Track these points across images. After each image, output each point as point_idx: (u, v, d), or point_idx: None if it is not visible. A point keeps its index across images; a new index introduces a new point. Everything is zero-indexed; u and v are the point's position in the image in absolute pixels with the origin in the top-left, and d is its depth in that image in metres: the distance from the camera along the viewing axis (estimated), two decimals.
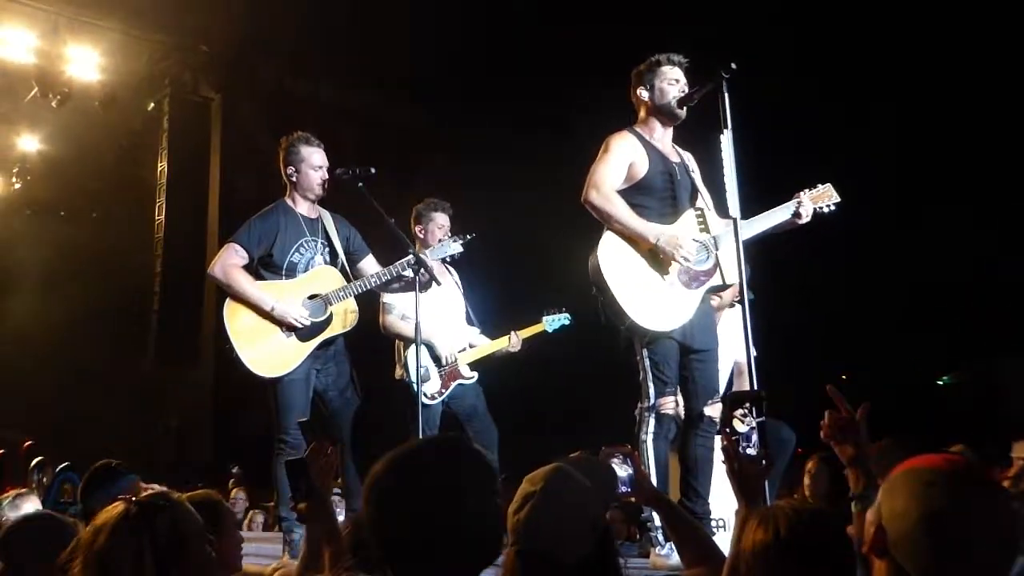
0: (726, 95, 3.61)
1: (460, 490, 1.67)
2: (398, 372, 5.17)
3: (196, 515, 2.02)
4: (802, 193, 4.09)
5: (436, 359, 5.11)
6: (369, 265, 4.68)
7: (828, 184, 4.16)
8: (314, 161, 4.59)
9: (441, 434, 4.62)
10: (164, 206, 10.99)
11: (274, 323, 4.38)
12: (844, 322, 8.34)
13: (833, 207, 4.13)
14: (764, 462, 2.34)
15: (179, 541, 1.90)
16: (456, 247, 4.64)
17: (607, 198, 3.88)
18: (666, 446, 3.96)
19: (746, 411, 2.68)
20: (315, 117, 9.16)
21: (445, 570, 1.66)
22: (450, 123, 9.30)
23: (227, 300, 4.44)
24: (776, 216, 4.04)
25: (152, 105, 11.07)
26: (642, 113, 4.10)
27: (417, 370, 4.55)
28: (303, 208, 4.62)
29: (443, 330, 5.14)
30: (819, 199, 4.11)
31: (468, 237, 4.68)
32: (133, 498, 1.97)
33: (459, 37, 8.15)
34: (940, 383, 11.75)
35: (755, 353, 5.29)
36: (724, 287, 4.02)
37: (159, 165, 11.13)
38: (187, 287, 10.14)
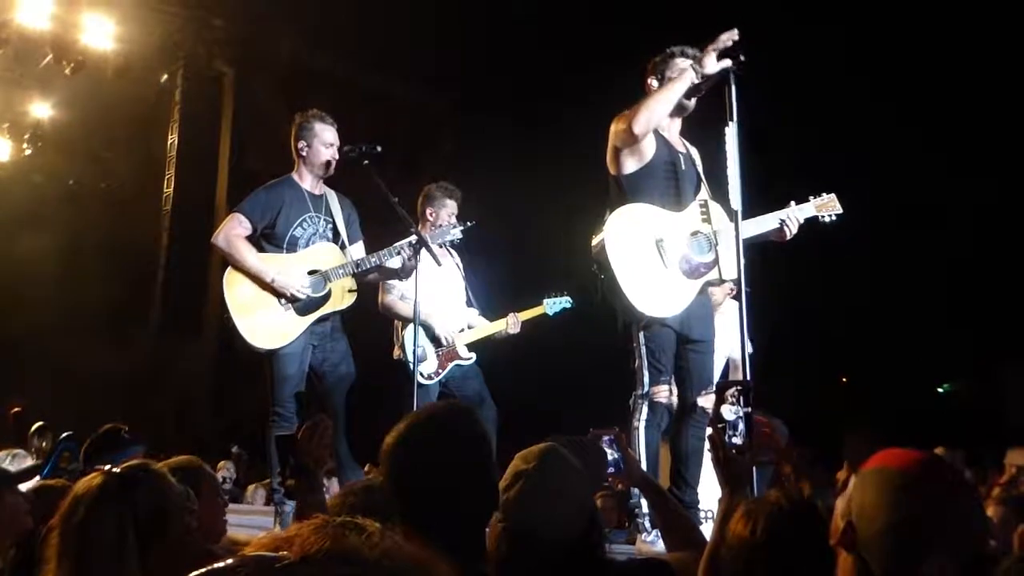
0: (733, 87, 3.63)
1: (464, 448, 1.87)
2: (396, 352, 5.19)
3: (178, 486, 1.99)
4: (792, 203, 4.12)
5: (434, 339, 5.14)
6: (356, 250, 4.69)
7: (832, 195, 4.20)
8: (326, 138, 4.61)
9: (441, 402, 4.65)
10: (173, 179, 11.00)
11: (273, 295, 4.41)
12: (845, 323, 8.34)
13: (834, 218, 4.16)
14: (749, 452, 2.37)
15: (161, 514, 1.87)
16: (456, 232, 4.66)
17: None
18: (658, 434, 3.99)
19: (734, 400, 2.71)
20: (328, 95, 9.16)
21: (450, 516, 1.79)
22: (462, 106, 9.31)
23: (227, 269, 4.48)
24: (762, 224, 4.05)
25: (165, 77, 11.07)
26: None
27: (414, 350, 4.58)
28: (309, 184, 4.65)
29: (442, 311, 5.16)
30: (822, 208, 4.15)
31: (468, 224, 4.70)
32: (112, 468, 1.92)
33: (474, 20, 8.15)
34: (940, 390, 11.75)
35: (751, 349, 5.34)
36: (720, 282, 4.05)
37: (170, 137, 11.14)
38: (193, 261, 10.16)
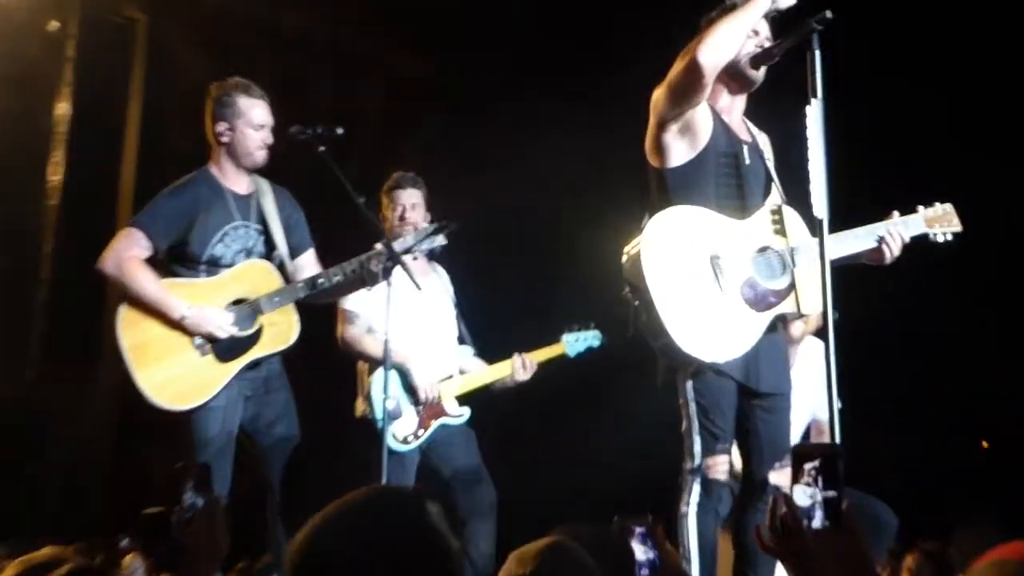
0: (817, 53, 3.68)
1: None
2: (359, 406, 5.24)
3: None
4: (896, 214, 4.19)
5: (410, 390, 5.18)
6: (306, 264, 4.78)
7: (949, 205, 4.27)
8: (254, 118, 4.68)
9: (388, 487, 4.67)
10: (63, 163, 11.07)
11: (185, 336, 4.46)
12: (972, 366, 8.26)
13: (950, 237, 4.24)
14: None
15: None
16: (437, 239, 4.68)
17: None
18: (715, 523, 4.01)
19: (811, 479, 2.73)
20: (275, 49, 9.28)
21: None
22: (456, 72, 9.33)
23: (122, 304, 4.52)
24: (854, 242, 4.11)
25: (54, 25, 11.17)
26: None
27: (384, 403, 4.62)
28: (233, 181, 4.72)
29: (424, 350, 5.21)
30: (935, 223, 4.23)
31: (451, 226, 4.70)
32: None
33: None
34: None
35: (839, 404, 5.36)
36: (798, 316, 4.10)
37: (58, 107, 11.21)
38: (87, 275, 10.16)
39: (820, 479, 2.55)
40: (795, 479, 2.54)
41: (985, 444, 10.71)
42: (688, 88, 3.91)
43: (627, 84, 4.41)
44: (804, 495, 2.54)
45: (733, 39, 3.92)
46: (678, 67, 3.92)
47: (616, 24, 7.80)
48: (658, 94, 4.03)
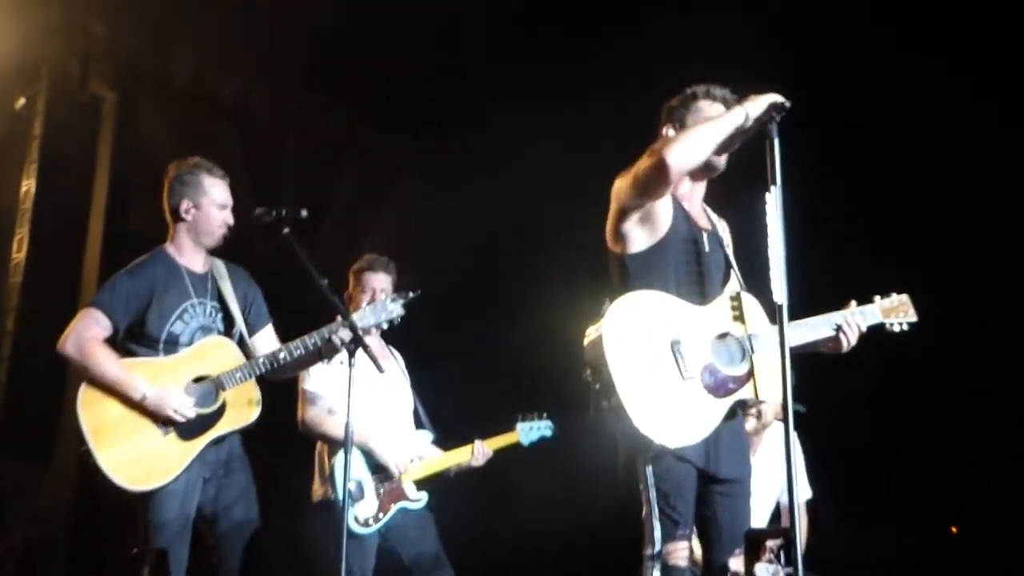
0: (776, 140, 3.75)
1: None
2: (318, 488, 5.24)
3: None
4: (853, 304, 4.25)
5: (377, 470, 5.19)
6: (264, 341, 4.81)
7: (905, 296, 4.34)
8: (217, 197, 4.76)
9: None
10: (27, 240, 11.02)
11: (146, 416, 4.46)
12: (940, 447, 8.31)
13: (906, 327, 4.30)
14: None
15: None
16: (394, 310, 4.67)
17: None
18: None
19: (772, 557, 2.75)
20: (244, 129, 9.35)
21: None
22: (421, 144, 9.44)
23: (83, 385, 4.53)
24: (811, 331, 4.16)
25: (21, 102, 11.20)
26: None
27: (344, 484, 4.60)
28: (190, 260, 4.78)
29: (386, 433, 5.23)
30: (891, 313, 4.29)
31: (410, 295, 4.73)
32: None
33: (427, 32, 8.32)
34: None
35: (809, 494, 5.43)
36: (757, 402, 4.13)
37: (23, 184, 11.19)
38: (48, 354, 10.12)
39: (782, 557, 2.59)
40: (750, 562, 2.57)
41: (954, 529, 10.72)
42: (652, 184, 3.96)
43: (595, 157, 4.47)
44: (767, 573, 2.57)
45: (704, 147, 3.95)
46: (645, 163, 3.96)
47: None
48: (621, 184, 4.07)
